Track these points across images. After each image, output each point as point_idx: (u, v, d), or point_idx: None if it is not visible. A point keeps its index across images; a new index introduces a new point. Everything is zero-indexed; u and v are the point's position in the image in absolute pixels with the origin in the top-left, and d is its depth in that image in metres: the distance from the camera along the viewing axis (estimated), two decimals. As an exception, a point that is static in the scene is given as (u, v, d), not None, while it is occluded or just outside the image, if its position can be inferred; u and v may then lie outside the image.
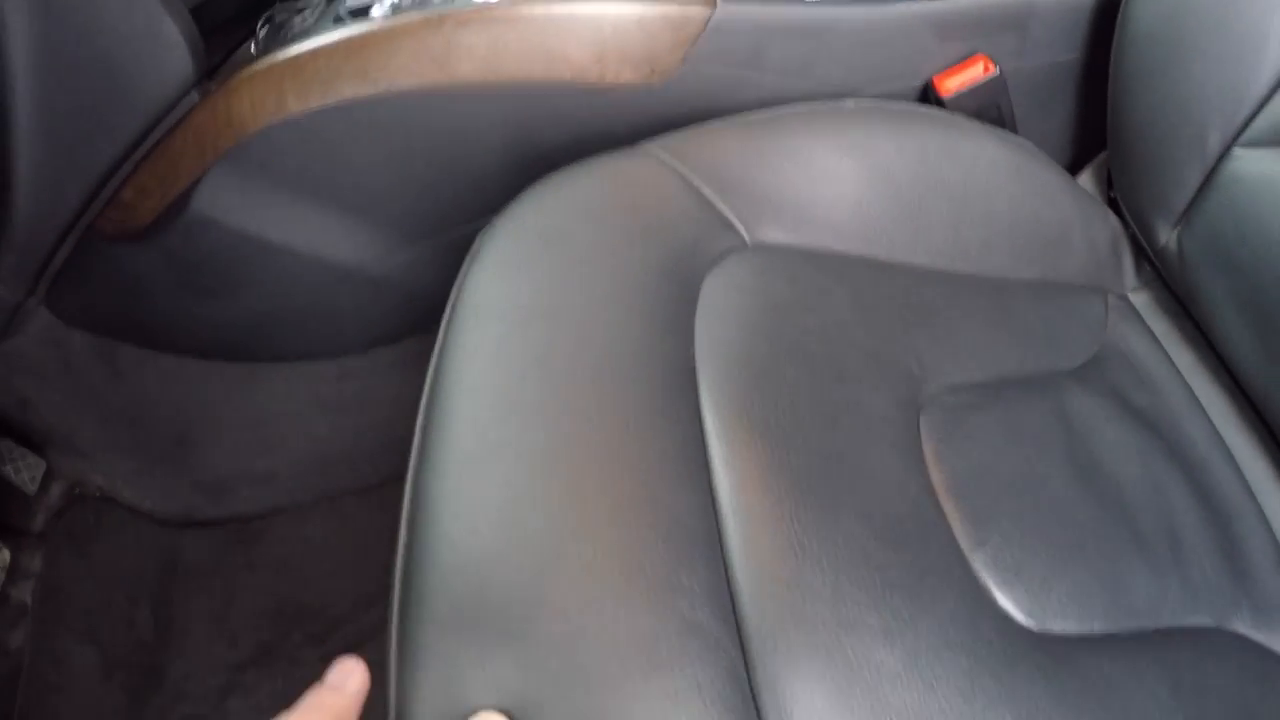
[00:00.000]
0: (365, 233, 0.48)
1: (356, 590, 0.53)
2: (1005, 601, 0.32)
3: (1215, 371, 0.49)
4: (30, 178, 0.47)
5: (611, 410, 0.30)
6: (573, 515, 0.27)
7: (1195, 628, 0.37)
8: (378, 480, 0.56)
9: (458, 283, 0.36)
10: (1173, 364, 0.48)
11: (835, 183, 0.42)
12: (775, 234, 0.40)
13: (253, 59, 0.43)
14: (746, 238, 0.39)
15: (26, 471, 0.61)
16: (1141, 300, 0.51)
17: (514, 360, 0.31)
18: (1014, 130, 0.50)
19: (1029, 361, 0.42)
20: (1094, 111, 0.50)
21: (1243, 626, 0.38)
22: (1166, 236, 0.49)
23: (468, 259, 0.37)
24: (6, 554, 0.58)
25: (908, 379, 0.36)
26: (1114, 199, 0.52)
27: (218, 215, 0.46)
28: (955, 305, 0.41)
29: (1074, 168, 0.54)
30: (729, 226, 0.39)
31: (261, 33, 0.47)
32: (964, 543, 0.33)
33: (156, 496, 0.58)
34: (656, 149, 0.41)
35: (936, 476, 0.34)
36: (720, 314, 0.35)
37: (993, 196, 0.45)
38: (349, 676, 0.26)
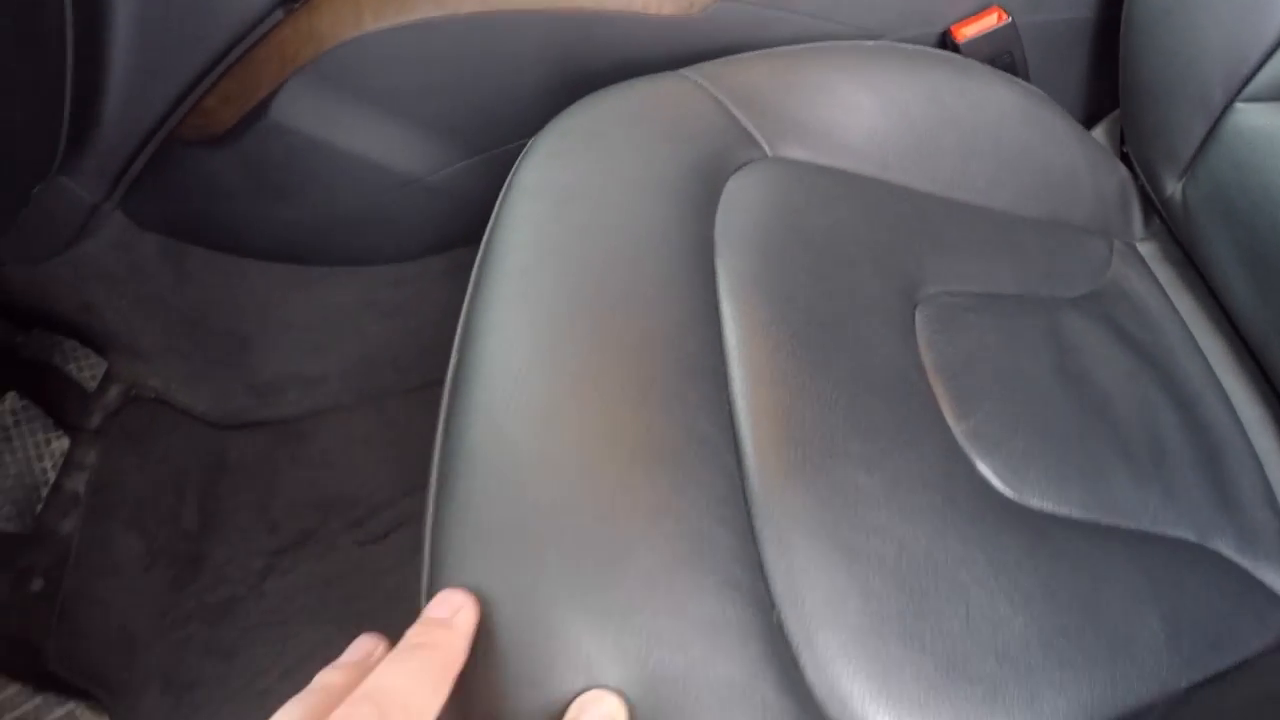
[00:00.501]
0: (426, 144, 0.56)
1: (396, 481, 0.59)
2: (984, 469, 0.37)
3: (1216, 319, 0.53)
4: (123, 84, 0.55)
5: (638, 269, 0.36)
6: (597, 342, 0.33)
7: (1176, 539, 0.41)
8: (420, 383, 0.62)
9: (511, 174, 0.43)
10: (1174, 308, 0.53)
11: (853, 112, 0.48)
12: (795, 150, 0.46)
13: (335, -20, 0.50)
14: (768, 150, 0.45)
15: (88, 370, 0.69)
16: (1149, 250, 0.56)
17: (557, 227, 0.38)
18: (1027, 80, 0.56)
19: (1027, 285, 0.47)
20: (1108, 70, 0.56)
21: (1226, 549, 0.42)
22: (1173, 188, 0.54)
23: (520, 156, 0.44)
24: (66, 441, 0.66)
25: (906, 277, 0.42)
26: (1126, 155, 0.58)
27: (292, 122, 0.53)
28: (959, 227, 0.47)
29: (1088, 124, 0.59)
30: (753, 140, 0.45)
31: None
32: (948, 414, 0.38)
33: (209, 399, 0.65)
34: (691, 73, 0.48)
35: (927, 358, 0.39)
36: (739, 207, 0.41)
37: (1001, 136, 0.50)
38: (459, 611, 0.25)
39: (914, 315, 0.41)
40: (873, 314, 0.39)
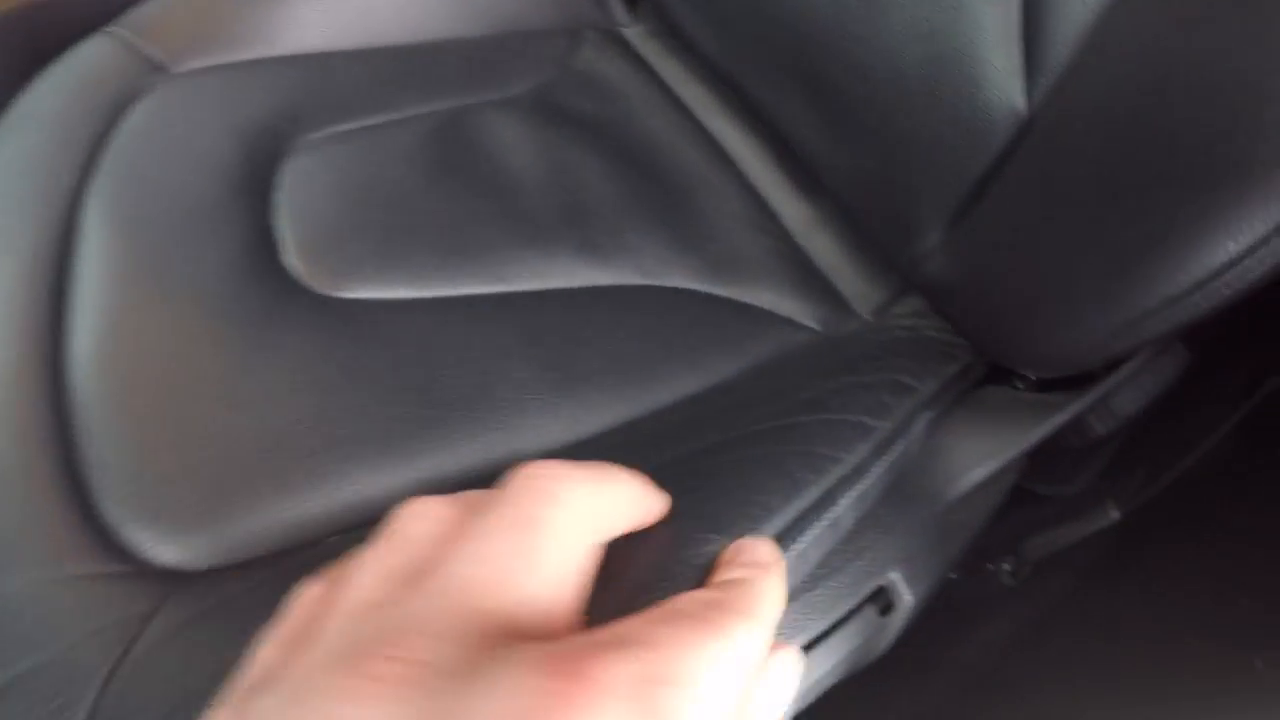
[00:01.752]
0: None
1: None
2: (313, 284, 0.49)
3: (704, 78, 0.65)
4: None
5: (24, 201, 0.53)
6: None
7: (601, 287, 0.52)
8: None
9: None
10: (653, 77, 0.65)
11: (260, 6, 0.63)
12: (199, 61, 0.61)
13: None
14: (172, 69, 0.61)
15: None
16: (636, 33, 0.68)
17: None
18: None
19: (440, 100, 0.60)
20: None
21: (686, 282, 0.53)
22: (631, -37, 0.66)
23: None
24: None
25: (276, 135, 0.56)
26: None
27: None
28: (357, 71, 0.60)
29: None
30: (157, 66, 0.61)
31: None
32: (285, 244, 0.52)
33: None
34: (111, 27, 0.64)
35: (279, 200, 0.54)
36: (128, 130, 0.57)
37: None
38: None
39: (274, 169, 0.55)
40: (222, 181, 0.54)
